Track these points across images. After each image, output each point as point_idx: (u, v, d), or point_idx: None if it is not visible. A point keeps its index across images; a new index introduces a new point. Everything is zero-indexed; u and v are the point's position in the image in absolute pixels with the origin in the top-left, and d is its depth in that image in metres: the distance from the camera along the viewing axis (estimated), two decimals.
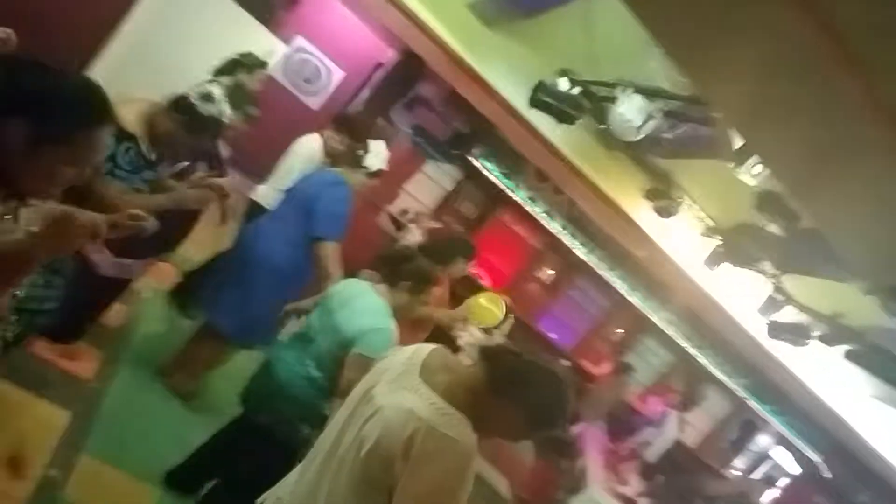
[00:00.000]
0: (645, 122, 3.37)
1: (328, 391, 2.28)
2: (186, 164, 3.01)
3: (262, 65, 4.20)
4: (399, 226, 6.49)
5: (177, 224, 2.94)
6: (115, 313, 3.51)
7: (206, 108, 2.43)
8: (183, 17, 4.84)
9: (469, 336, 5.68)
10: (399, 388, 1.57)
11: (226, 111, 2.54)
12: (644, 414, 7.81)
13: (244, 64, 4.04)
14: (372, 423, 1.53)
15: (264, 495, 1.78)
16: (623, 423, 7.33)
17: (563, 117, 4.16)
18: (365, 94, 7.96)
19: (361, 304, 2.36)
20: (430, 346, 1.71)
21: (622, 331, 8.56)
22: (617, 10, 3.14)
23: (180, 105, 2.43)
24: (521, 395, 1.56)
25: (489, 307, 6.04)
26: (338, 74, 8.07)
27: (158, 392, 3.42)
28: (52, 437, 2.71)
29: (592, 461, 5.59)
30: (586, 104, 3.96)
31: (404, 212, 6.95)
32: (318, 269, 3.19)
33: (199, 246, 3.91)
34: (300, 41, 7.78)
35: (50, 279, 1.86)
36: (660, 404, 7.52)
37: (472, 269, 7.63)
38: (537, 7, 3.80)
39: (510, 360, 1.61)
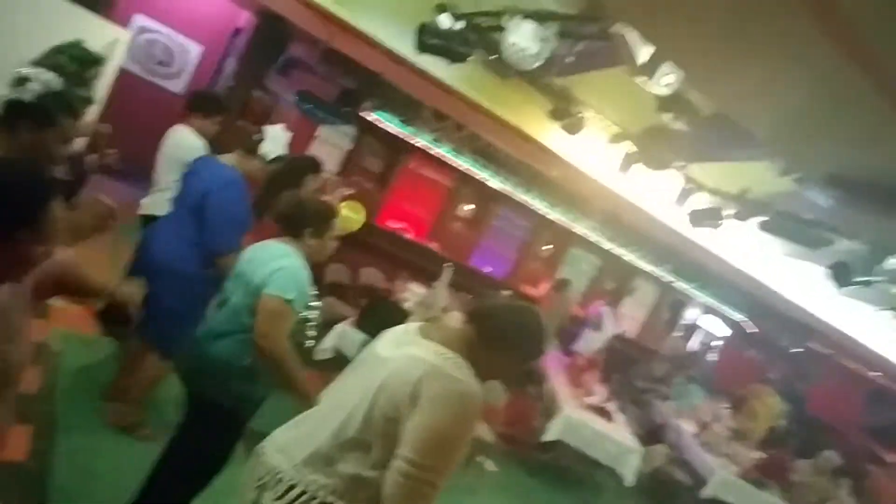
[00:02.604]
0: (541, 47, 3.27)
1: (246, 344, 2.31)
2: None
3: (94, 58, 3.77)
4: None
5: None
6: (30, 379, 3.19)
7: (23, 92, 2.15)
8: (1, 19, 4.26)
9: (412, 295, 5.64)
10: (403, 344, 1.69)
11: (51, 82, 2.26)
12: (586, 319, 8.11)
13: (63, 51, 3.67)
14: (377, 371, 1.63)
15: (263, 442, 1.80)
16: (570, 333, 7.58)
17: (453, 56, 4.01)
18: (231, 65, 7.43)
19: (263, 253, 2.42)
20: (420, 322, 1.86)
21: (550, 247, 8.75)
22: None
23: (5, 110, 2.13)
24: (512, 343, 1.71)
25: (349, 215, 6.01)
26: (194, 50, 7.43)
27: (109, 437, 3.20)
28: None
29: (557, 381, 5.77)
30: (474, 38, 3.82)
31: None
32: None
33: (102, 269, 3.58)
34: (141, 20, 7.04)
35: None
36: (599, 307, 7.80)
37: (394, 224, 7.54)
38: None
39: (495, 316, 1.73)
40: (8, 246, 1.27)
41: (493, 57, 4.21)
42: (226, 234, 3.05)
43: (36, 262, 1.35)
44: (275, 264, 2.33)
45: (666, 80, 2.82)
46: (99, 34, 4.65)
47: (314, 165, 3.81)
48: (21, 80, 2.11)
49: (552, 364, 6.26)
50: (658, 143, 4.46)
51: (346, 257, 6.45)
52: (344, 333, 4.46)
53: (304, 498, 1.60)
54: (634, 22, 2.62)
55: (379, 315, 4.63)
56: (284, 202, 2.58)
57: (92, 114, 4.39)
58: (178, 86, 7.39)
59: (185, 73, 7.43)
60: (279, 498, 1.63)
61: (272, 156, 3.48)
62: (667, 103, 3.66)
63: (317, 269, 2.58)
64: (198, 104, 3.88)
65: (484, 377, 1.66)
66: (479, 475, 4.74)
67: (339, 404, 1.69)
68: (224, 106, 4.05)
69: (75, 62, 3.69)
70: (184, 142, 3.74)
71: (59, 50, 3.67)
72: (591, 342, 7.05)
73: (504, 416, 5.10)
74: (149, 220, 3.69)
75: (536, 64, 3.39)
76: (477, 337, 1.68)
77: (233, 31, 7.48)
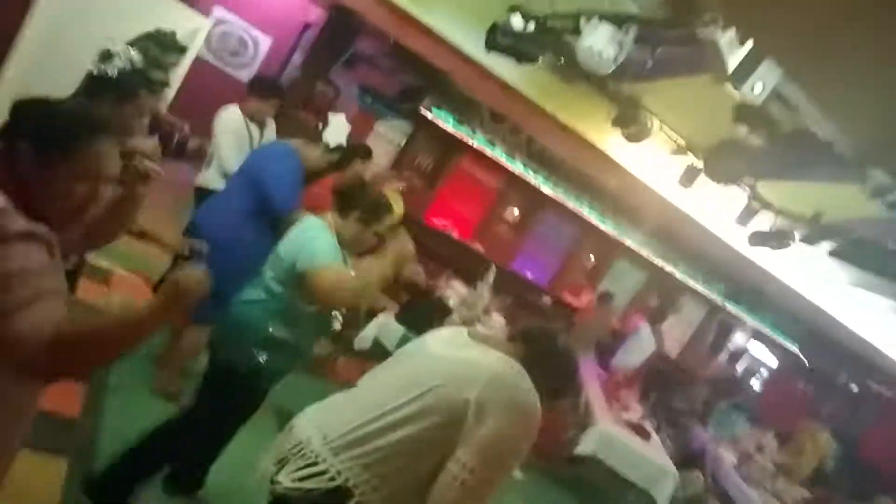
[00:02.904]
0: (617, 52, 3.17)
1: (277, 315, 2.32)
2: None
3: (180, 47, 3.86)
4: None
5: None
6: None
7: (108, 67, 2.19)
8: (94, 5, 4.38)
9: (454, 293, 5.58)
10: (460, 345, 1.66)
11: (135, 60, 2.29)
12: (625, 333, 7.92)
13: (155, 37, 3.80)
14: (430, 369, 1.60)
15: (295, 417, 1.77)
16: (607, 347, 7.42)
17: (523, 57, 3.93)
18: (297, 58, 7.52)
19: (296, 230, 2.40)
20: (465, 326, 1.89)
21: (594, 258, 8.59)
22: None
23: (89, 82, 2.16)
24: (553, 373, 1.69)
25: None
26: (265, 42, 7.58)
27: (157, 403, 3.25)
28: (54, 490, 2.50)
29: (593, 394, 5.63)
30: (546, 40, 3.74)
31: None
32: None
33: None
34: (219, 12, 7.24)
35: None
36: (638, 321, 7.62)
37: (439, 222, 7.50)
38: None
39: (545, 341, 1.73)
40: (47, 176, 1.23)
41: (562, 60, 4.14)
42: (285, 194, 3.11)
43: (78, 201, 1.27)
44: (307, 235, 2.33)
45: (758, 87, 2.69)
46: (183, 21, 4.81)
47: (365, 151, 3.81)
48: (108, 56, 2.16)
49: (588, 376, 6.12)
50: (729, 157, 4.29)
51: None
52: (385, 325, 4.44)
53: (324, 478, 1.55)
54: (732, 17, 2.50)
55: (421, 310, 4.59)
56: (349, 176, 2.55)
57: (166, 97, 4.51)
58: (247, 76, 7.52)
59: (255, 64, 7.58)
60: (297, 471, 1.59)
61: (333, 144, 3.50)
62: (746, 115, 3.51)
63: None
64: (255, 87, 3.97)
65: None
66: (505, 482, 4.63)
67: (381, 394, 1.65)
68: (280, 90, 4.12)
69: (160, 47, 3.79)
70: (235, 122, 3.81)
71: (150, 36, 3.80)
72: (628, 357, 6.87)
73: None
74: (202, 194, 3.78)
75: (611, 69, 3.29)
76: (524, 356, 1.66)
77: (303, 25, 7.58)
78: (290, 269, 2.26)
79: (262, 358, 2.33)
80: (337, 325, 2.51)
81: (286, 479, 1.59)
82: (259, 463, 1.73)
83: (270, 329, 2.31)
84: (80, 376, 1.19)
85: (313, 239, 2.29)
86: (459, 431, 1.50)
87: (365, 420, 1.59)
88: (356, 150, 3.76)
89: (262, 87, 3.96)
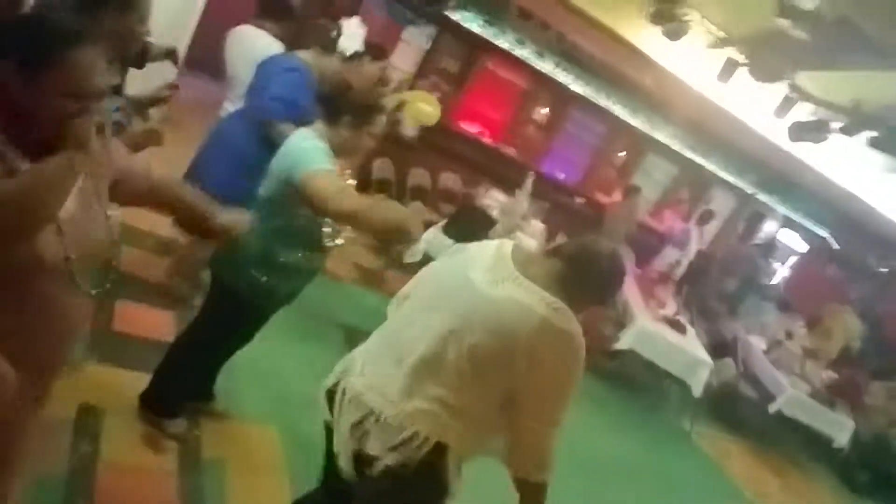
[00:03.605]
0: None
1: (276, 235, 2.26)
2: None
3: None
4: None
5: None
6: (164, 268, 3.54)
7: None
8: None
9: (495, 202, 5.67)
10: (501, 279, 1.63)
11: None
12: (662, 232, 7.99)
13: None
14: (472, 304, 1.60)
15: (332, 378, 1.77)
16: (643, 245, 7.51)
17: None
18: None
19: (287, 143, 2.32)
20: (509, 241, 1.78)
21: (624, 153, 8.52)
22: None
23: None
24: (601, 289, 1.74)
25: (424, 107, 5.86)
26: None
27: None
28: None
29: (630, 292, 5.81)
30: None
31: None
32: None
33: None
34: None
35: None
36: (675, 219, 7.67)
37: (468, 126, 7.45)
38: None
39: (593, 262, 1.70)
40: (34, 90, 1.17)
41: None
42: (273, 103, 3.01)
43: (68, 115, 1.20)
44: (299, 146, 2.24)
45: None
46: None
47: (375, 51, 3.66)
48: None
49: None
50: (770, 49, 4.17)
51: (425, 160, 6.49)
52: (434, 238, 4.54)
53: (416, 441, 1.57)
54: None
55: (467, 222, 4.69)
56: (330, 82, 2.45)
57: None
58: None
59: None
60: (390, 445, 1.58)
61: (349, 52, 3.37)
62: (789, 7, 3.40)
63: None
64: (268, 8, 3.75)
65: (581, 309, 1.67)
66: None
67: (425, 326, 1.65)
68: (292, 13, 3.90)
69: None
70: (258, 42, 3.69)
71: None
72: (670, 258, 6.98)
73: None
74: None
75: None
76: (570, 278, 1.65)
77: None
78: (286, 182, 2.18)
79: (263, 280, 2.29)
80: (335, 241, 2.39)
81: (386, 455, 1.58)
82: (338, 439, 1.71)
83: (269, 251, 2.26)
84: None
85: (304, 149, 2.20)
86: (512, 373, 1.55)
87: (416, 358, 1.61)
88: (366, 50, 3.61)
89: (275, 9, 3.74)
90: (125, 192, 1.48)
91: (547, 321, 1.54)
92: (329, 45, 3.24)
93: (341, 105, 2.32)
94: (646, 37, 5.15)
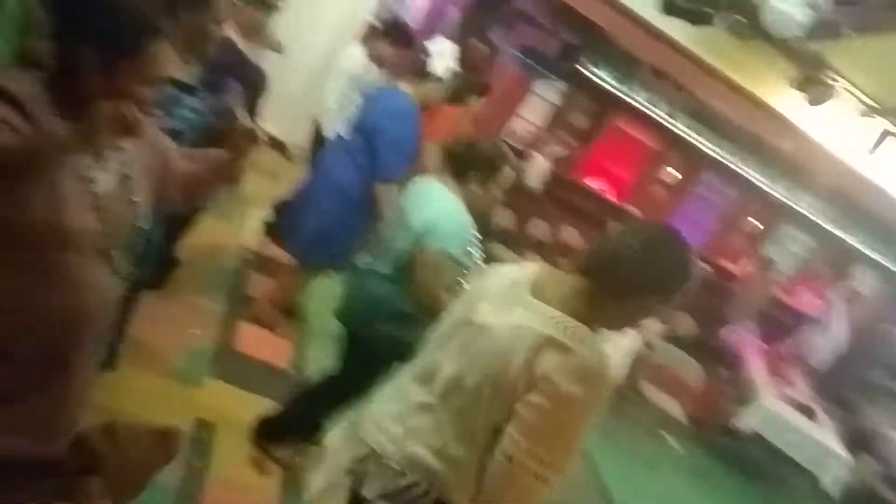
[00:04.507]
0: (808, 15, 2.95)
1: (405, 288, 2.26)
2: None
3: None
4: (521, 155, 6.28)
5: None
6: (289, 298, 3.73)
7: None
8: None
9: None
10: (510, 306, 1.42)
11: None
12: (796, 308, 7.44)
13: None
14: (479, 346, 1.41)
15: (354, 415, 1.70)
16: (775, 321, 7.02)
17: (699, 18, 3.76)
18: (455, 15, 7.57)
19: (424, 196, 2.30)
20: (536, 266, 1.54)
21: (757, 222, 8.07)
22: None
23: None
24: (649, 285, 1.39)
25: None
26: (422, 1, 7.66)
27: None
28: None
29: (754, 367, 5.43)
30: (727, 3, 3.53)
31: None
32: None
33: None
34: None
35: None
36: (811, 296, 7.11)
37: (595, 183, 7.39)
38: None
39: (617, 262, 1.38)
40: (112, 77, 1.19)
41: (739, 18, 3.89)
42: (393, 163, 3.08)
43: (135, 99, 1.23)
44: (436, 211, 2.23)
45: None
46: None
47: (481, 88, 3.69)
48: None
49: (748, 348, 5.88)
50: None
51: (546, 212, 6.52)
52: None
53: (415, 492, 1.44)
54: None
55: None
56: (454, 141, 2.39)
57: None
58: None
59: (408, 15, 7.69)
60: (387, 490, 1.47)
61: (442, 72, 3.39)
62: None
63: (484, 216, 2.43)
64: (392, 32, 3.89)
65: (620, 325, 1.46)
66: (661, 450, 4.68)
67: (430, 368, 1.54)
68: (413, 43, 4.00)
69: None
70: (353, 61, 3.83)
71: None
72: (822, 345, 6.32)
73: (695, 396, 4.92)
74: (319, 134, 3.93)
75: (799, 32, 3.07)
76: (599, 292, 1.39)
77: None
78: (419, 241, 2.20)
79: (395, 332, 2.28)
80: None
81: (378, 500, 1.48)
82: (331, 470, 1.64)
83: (402, 305, 2.27)
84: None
85: (451, 226, 2.21)
86: (508, 405, 1.34)
87: (420, 413, 1.50)
88: (472, 85, 3.56)
89: (399, 35, 3.86)
90: (175, 181, 1.54)
91: (550, 339, 1.31)
92: (421, 70, 3.30)
93: (465, 162, 2.31)
94: (786, 101, 4.93)
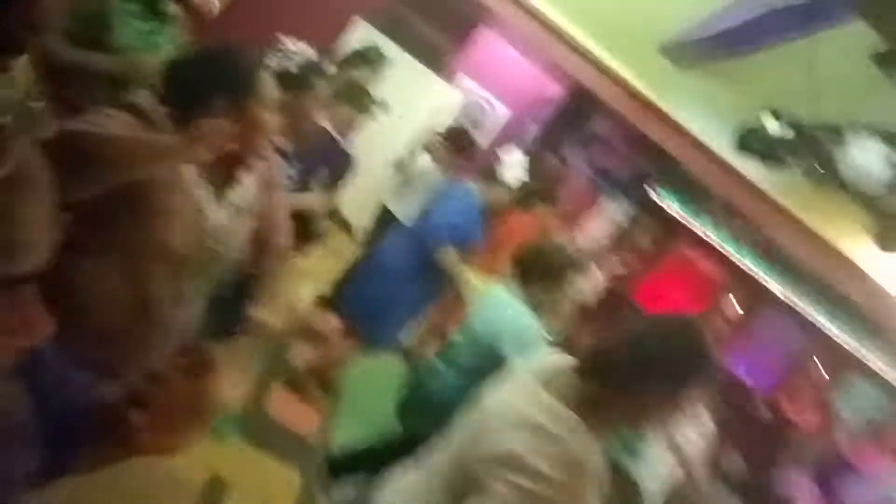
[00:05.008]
0: (889, 171, 2.96)
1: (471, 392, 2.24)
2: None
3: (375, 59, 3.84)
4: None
5: None
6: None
7: (285, 64, 2.22)
8: None
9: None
10: (513, 395, 1.41)
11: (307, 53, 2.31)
12: (858, 468, 6.92)
13: (364, 55, 3.76)
14: (467, 419, 1.43)
15: (384, 491, 1.71)
16: (833, 474, 6.54)
17: (773, 161, 3.81)
18: (533, 130, 7.91)
19: (495, 308, 2.26)
20: (555, 357, 1.52)
21: (825, 372, 7.69)
22: (838, 47, 2.85)
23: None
24: (651, 381, 1.33)
25: None
26: (504, 113, 8.06)
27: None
28: (291, 499, 2.88)
29: None
30: (804, 150, 3.59)
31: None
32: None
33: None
34: (465, 82, 7.83)
35: None
36: (880, 461, 6.62)
37: (651, 307, 7.30)
38: (741, 49, 3.50)
39: (612, 366, 1.35)
40: (206, 115, 1.35)
41: (816, 167, 3.92)
42: (442, 230, 3.18)
43: (225, 134, 1.37)
44: (512, 319, 2.22)
45: None
46: (440, 93, 5.41)
47: (548, 195, 3.80)
48: (284, 56, 2.29)
49: (803, 496, 5.46)
50: None
51: (599, 327, 6.43)
52: None
53: None
54: None
55: None
56: (523, 247, 2.41)
57: None
58: (484, 142, 8.09)
59: (490, 133, 8.09)
60: None
61: (515, 182, 3.51)
62: None
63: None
64: (454, 138, 4.10)
65: (635, 422, 1.44)
66: None
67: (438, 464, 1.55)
68: (474, 147, 4.20)
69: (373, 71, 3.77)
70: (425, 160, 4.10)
71: (358, 54, 3.79)
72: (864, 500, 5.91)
73: None
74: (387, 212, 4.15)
75: (880, 191, 3.07)
76: (601, 391, 1.35)
77: (542, 100, 7.98)
78: (489, 349, 2.20)
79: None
80: None
81: None
82: None
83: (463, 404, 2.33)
84: None
85: (521, 327, 2.20)
86: (468, 473, 1.31)
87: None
88: (538, 192, 3.73)
89: (456, 142, 4.08)
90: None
91: (528, 420, 1.27)
92: (492, 176, 3.45)
93: (536, 266, 2.34)
94: (860, 249, 4.83)
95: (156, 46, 2.28)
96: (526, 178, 3.52)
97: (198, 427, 1.17)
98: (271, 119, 1.50)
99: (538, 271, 2.33)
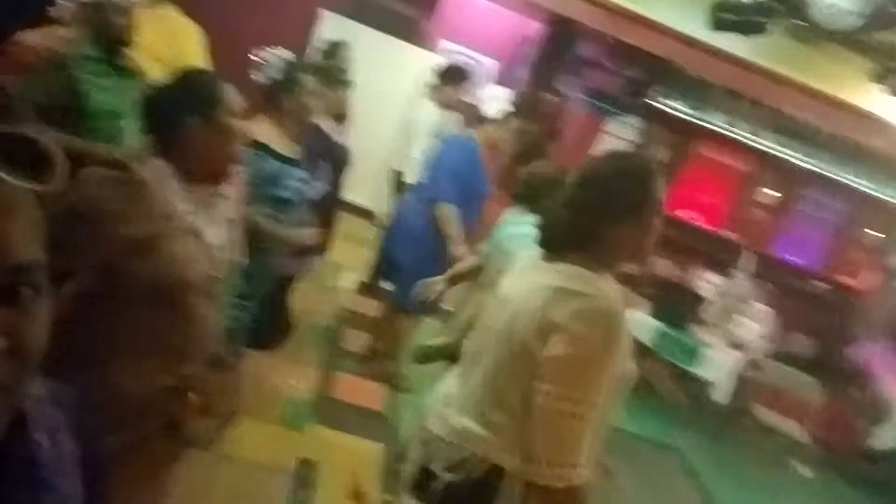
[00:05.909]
0: (860, 2, 2.94)
1: None
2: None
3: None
4: None
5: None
6: (380, 345, 3.96)
7: (270, 74, 2.44)
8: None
9: (707, 284, 5.41)
10: (523, 274, 1.57)
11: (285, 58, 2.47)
12: None
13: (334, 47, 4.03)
14: (500, 317, 1.52)
15: (433, 396, 1.79)
16: None
17: (751, 28, 3.81)
18: (523, 73, 7.89)
19: (515, 225, 2.40)
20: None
21: (875, 231, 7.53)
22: None
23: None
24: (612, 206, 1.49)
25: None
26: (490, 64, 8.04)
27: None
28: (375, 468, 3.09)
29: (888, 383, 5.01)
30: (775, 5, 3.57)
31: None
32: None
33: None
34: (446, 45, 7.85)
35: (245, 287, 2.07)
36: None
37: (684, 213, 7.26)
38: None
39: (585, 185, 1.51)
40: (183, 134, 1.51)
41: (795, 21, 3.89)
42: (443, 183, 3.27)
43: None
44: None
45: None
46: (417, 61, 5.48)
47: (552, 137, 3.81)
48: (268, 65, 2.44)
49: (879, 364, 5.42)
50: None
51: None
52: (639, 321, 4.50)
53: (472, 460, 1.53)
54: None
55: (673, 303, 4.58)
56: (518, 180, 2.50)
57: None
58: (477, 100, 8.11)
59: (482, 86, 8.09)
60: (450, 463, 1.56)
61: (495, 114, 3.57)
62: None
63: None
64: (446, 74, 4.25)
65: (612, 260, 1.49)
66: (787, 477, 4.38)
67: (468, 355, 1.68)
68: (466, 74, 4.37)
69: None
70: (431, 114, 4.21)
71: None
72: None
73: (818, 416, 4.60)
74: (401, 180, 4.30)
75: (856, 23, 3.05)
76: (579, 227, 1.48)
77: (522, 40, 7.93)
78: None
79: None
80: None
81: (444, 474, 1.56)
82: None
83: None
84: None
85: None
86: (530, 359, 1.41)
87: (471, 394, 1.60)
88: (543, 140, 3.77)
89: (454, 74, 4.25)
90: None
91: (557, 288, 1.41)
92: (479, 119, 3.52)
93: (532, 187, 2.45)
94: (869, 97, 4.73)
95: (124, 99, 2.33)
96: (510, 108, 3.60)
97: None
98: (240, 125, 1.63)
99: (540, 192, 2.39)
